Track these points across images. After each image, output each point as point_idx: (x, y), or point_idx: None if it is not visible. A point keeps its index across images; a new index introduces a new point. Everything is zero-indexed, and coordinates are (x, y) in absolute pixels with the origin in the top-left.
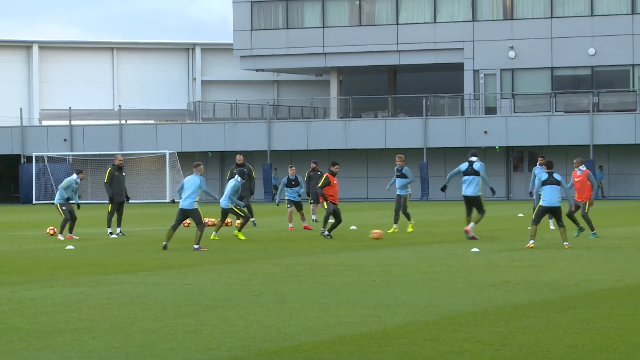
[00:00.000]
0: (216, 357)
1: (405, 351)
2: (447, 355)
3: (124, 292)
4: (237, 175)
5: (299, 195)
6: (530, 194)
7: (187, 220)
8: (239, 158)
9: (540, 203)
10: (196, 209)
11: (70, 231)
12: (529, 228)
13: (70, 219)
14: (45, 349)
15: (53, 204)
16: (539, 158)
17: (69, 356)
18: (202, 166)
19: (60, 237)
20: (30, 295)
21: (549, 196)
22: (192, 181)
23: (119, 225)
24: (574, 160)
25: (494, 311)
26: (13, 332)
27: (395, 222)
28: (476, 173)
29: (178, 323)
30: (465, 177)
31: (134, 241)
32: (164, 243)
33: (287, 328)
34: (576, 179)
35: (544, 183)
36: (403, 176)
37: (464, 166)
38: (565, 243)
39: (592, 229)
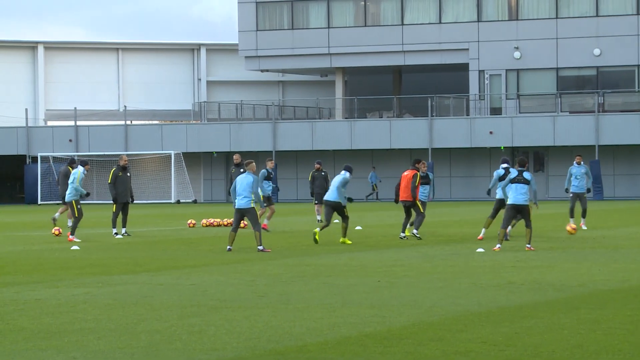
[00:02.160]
0: (221, 358)
1: (410, 352)
2: (452, 355)
3: (128, 292)
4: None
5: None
6: (567, 190)
7: (193, 220)
8: (236, 158)
9: (507, 202)
10: (253, 207)
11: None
12: (498, 232)
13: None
14: (50, 350)
15: (59, 204)
16: (577, 157)
17: (74, 356)
18: (254, 164)
19: (75, 238)
20: (35, 295)
21: (515, 194)
22: (244, 180)
23: (124, 226)
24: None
25: (498, 312)
26: (18, 333)
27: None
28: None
29: (183, 323)
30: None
31: (139, 242)
32: (228, 247)
33: (292, 328)
34: None
35: (512, 181)
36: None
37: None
38: (527, 245)
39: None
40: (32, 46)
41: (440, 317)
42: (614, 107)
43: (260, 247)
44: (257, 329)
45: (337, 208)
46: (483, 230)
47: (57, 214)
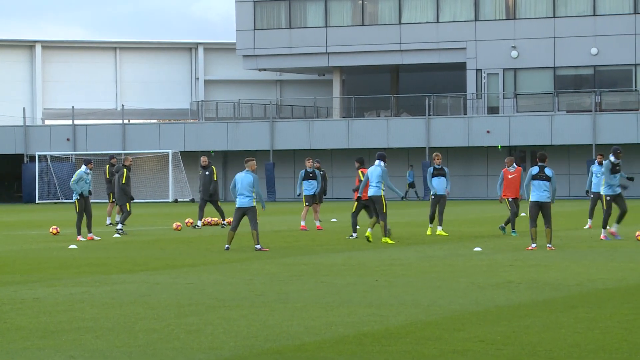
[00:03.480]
0: (219, 357)
1: (407, 350)
2: (450, 354)
3: (126, 291)
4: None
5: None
6: (587, 192)
7: (190, 219)
8: (204, 160)
9: (530, 199)
10: (254, 206)
11: (90, 230)
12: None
13: (87, 217)
14: (48, 349)
15: (55, 203)
16: (598, 156)
17: (72, 355)
18: (254, 162)
19: (80, 238)
20: (33, 294)
21: (537, 191)
22: (244, 179)
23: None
24: (506, 160)
25: (496, 311)
26: (16, 332)
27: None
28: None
29: (181, 322)
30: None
31: (137, 241)
32: (227, 246)
33: (290, 327)
34: (510, 177)
35: (534, 178)
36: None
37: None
38: (548, 245)
39: (512, 225)
40: (29, 45)
41: (438, 316)
42: (611, 106)
43: (258, 246)
44: (255, 328)
45: (376, 202)
46: (603, 232)
47: (111, 217)
